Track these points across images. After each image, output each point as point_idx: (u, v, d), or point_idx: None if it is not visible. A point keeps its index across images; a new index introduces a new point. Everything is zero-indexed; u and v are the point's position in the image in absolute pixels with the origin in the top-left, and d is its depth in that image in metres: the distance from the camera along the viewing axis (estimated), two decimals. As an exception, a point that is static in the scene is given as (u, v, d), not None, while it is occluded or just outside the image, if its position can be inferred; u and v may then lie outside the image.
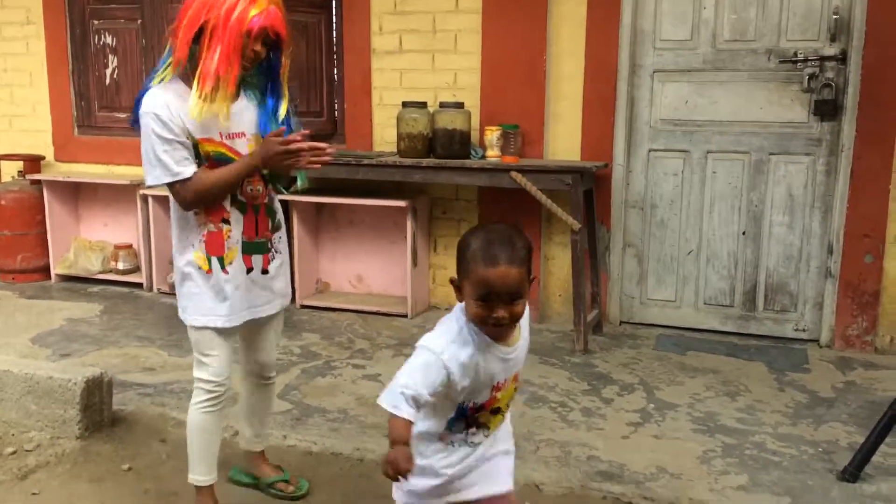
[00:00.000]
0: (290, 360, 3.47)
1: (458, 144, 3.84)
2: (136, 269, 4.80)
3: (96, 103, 4.98)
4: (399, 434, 1.49)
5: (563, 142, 3.97)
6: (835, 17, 3.55)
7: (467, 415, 1.61)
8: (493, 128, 3.82)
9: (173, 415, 2.86)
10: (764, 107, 3.72)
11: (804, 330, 3.78)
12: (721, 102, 3.79)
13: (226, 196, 2.04)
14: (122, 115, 4.81)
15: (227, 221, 2.07)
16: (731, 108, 3.77)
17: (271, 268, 2.17)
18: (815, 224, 3.72)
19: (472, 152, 3.89)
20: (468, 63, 4.08)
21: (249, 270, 2.12)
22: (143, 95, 1.99)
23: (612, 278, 4.01)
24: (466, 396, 1.58)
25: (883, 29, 3.44)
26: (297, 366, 3.42)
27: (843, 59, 3.56)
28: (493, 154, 3.82)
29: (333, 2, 4.38)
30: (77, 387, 2.68)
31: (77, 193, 5.02)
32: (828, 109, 3.59)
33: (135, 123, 2.01)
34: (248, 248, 2.11)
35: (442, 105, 3.92)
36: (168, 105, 1.95)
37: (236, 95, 2.05)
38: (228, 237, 2.07)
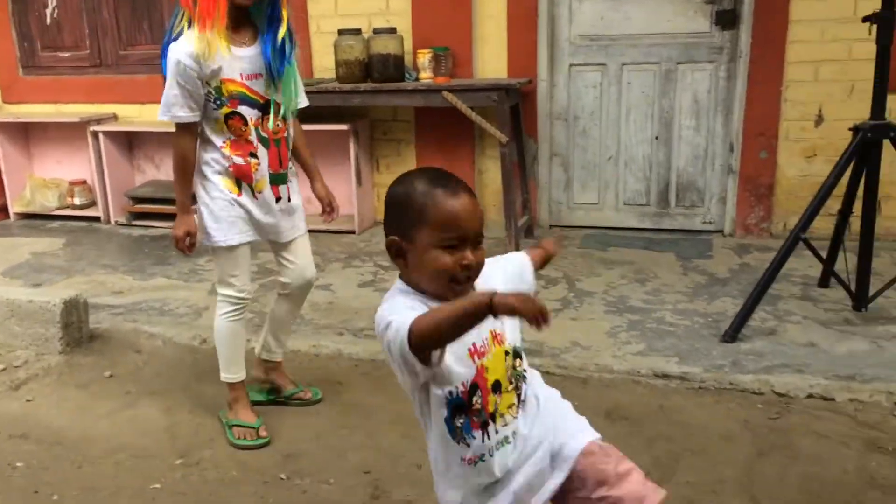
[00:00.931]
0: (248, 277, 3.79)
1: (392, 68, 4.10)
2: (93, 204, 5.02)
3: (39, 43, 5.08)
4: (478, 297, 1.17)
5: (491, 61, 4.25)
6: (731, -69, 3.85)
7: (464, 406, 1.32)
8: (425, 51, 4.09)
9: (145, 328, 3.19)
10: (671, 19, 4.04)
11: (711, 222, 4.22)
12: (633, 17, 4.09)
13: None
14: (66, 55, 4.94)
15: (254, 156, 2.24)
16: (642, 22, 4.09)
17: (293, 195, 2.38)
18: (718, 126, 4.10)
19: (407, 75, 4.16)
20: (399, -11, 4.30)
21: (279, 199, 2.32)
22: (166, 49, 2.16)
23: (541, 186, 4.38)
24: (447, 378, 1.30)
25: (773, -58, 3.76)
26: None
27: (739, -29, 3.88)
28: (426, 76, 4.10)
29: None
30: (56, 307, 2.98)
31: (28, 133, 5.17)
32: (728, 19, 3.93)
33: (164, 69, 2.17)
34: (274, 179, 2.30)
35: (376, 31, 4.16)
36: (189, 54, 2.10)
37: (254, 38, 2.20)
38: (256, 170, 2.25)
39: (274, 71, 2.21)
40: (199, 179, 2.28)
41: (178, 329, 3.18)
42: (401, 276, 1.36)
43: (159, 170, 4.98)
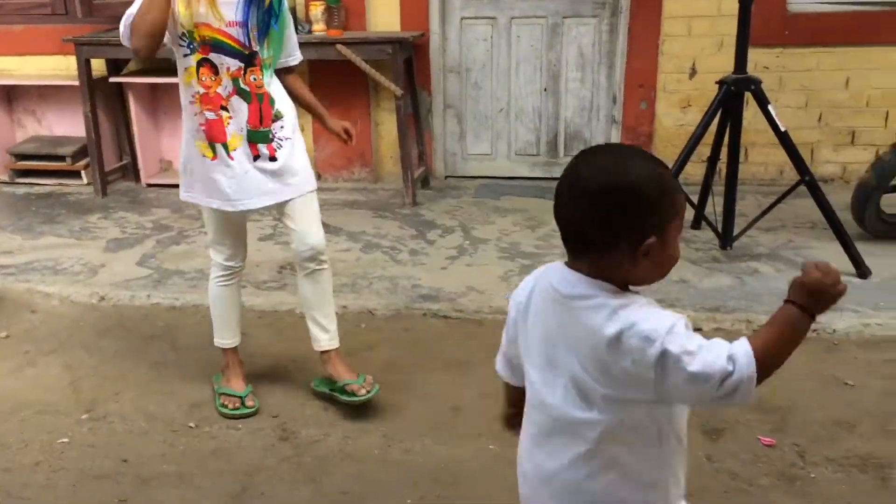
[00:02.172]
0: (143, 234, 3.77)
1: (283, 20, 4.07)
2: (-29, 162, 4.78)
3: None
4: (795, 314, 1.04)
5: (384, 14, 4.29)
6: None
7: None
8: (317, 3, 4.08)
9: (39, 288, 3.14)
10: (554, -26, 4.19)
11: (597, 170, 4.45)
12: (521, -29, 4.21)
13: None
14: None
15: (225, 108, 2.11)
16: (529, -24, 4.22)
17: (280, 155, 2.19)
18: (602, 78, 4.31)
19: (299, 27, 4.14)
20: (287, -61, 4.23)
21: (256, 158, 2.17)
22: None
23: (436, 138, 4.49)
24: None
25: None
26: (151, 238, 3.72)
27: (619, -72, 4.04)
28: (318, 28, 4.10)
29: None
30: (-58, 270, 2.90)
31: None
32: (609, -25, 4.11)
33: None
34: (253, 137, 2.15)
35: (265, -18, 4.10)
36: None
37: None
38: (229, 123, 2.12)
39: (252, 22, 2.07)
40: (183, 138, 2.22)
41: (74, 287, 3.15)
42: (602, 274, 1.09)
43: (41, 124, 4.78)
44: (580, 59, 4.30)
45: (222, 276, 2.34)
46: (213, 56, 2.07)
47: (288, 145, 2.22)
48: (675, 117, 4.24)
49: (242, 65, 2.09)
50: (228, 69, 2.09)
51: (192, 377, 2.54)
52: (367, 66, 3.93)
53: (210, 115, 2.12)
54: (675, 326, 1.02)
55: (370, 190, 4.38)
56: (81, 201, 4.30)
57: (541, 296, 1.16)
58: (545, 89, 4.38)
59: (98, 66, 4.42)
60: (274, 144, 2.19)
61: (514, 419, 1.31)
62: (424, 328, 2.82)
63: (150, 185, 4.53)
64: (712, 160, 3.32)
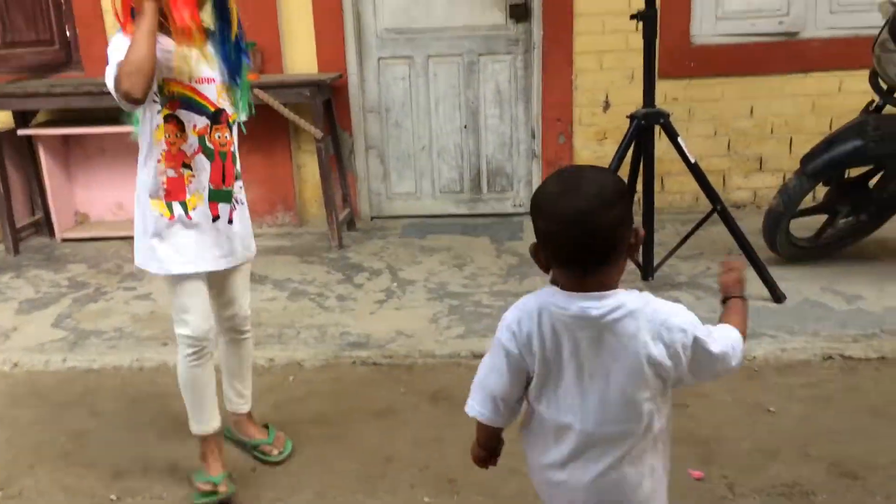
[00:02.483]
0: (59, 292, 3.62)
1: (197, 67, 4.02)
2: None
3: None
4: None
5: (300, 56, 4.27)
6: (519, -69, 4.10)
7: None
8: (231, 48, 4.03)
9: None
10: (470, 12, 4.25)
11: (520, 205, 4.51)
12: (435, 11, 4.26)
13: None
14: None
15: (187, 167, 1.99)
16: (444, 16, 4.27)
17: (235, 217, 2.10)
18: (520, 113, 4.39)
19: (214, 73, 4.09)
20: (198, -15, 4.19)
21: (216, 219, 2.06)
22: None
23: (360, 178, 4.48)
24: None
25: (556, -58, 4.05)
26: (67, 296, 3.58)
27: (528, -31, 4.15)
28: (233, 74, 4.05)
29: (45, -75, 4.25)
30: None
31: None
32: (520, 13, 4.19)
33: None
34: (215, 196, 2.04)
35: (177, 29, 4.04)
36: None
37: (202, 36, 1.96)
38: (190, 182, 2.00)
39: (232, 76, 2.01)
40: (137, 203, 2.05)
41: (-17, 355, 3.00)
42: (608, 283, 1.23)
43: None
44: (498, 95, 4.37)
45: (192, 354, 2.10)
46: (180, 112, 1.96)
47: (241, 209, 2.14)
48: (593, 149, 4.34)
49: (209, 122, 2.00)
50: (195, 126, 1.98)
51: (112, 445, 2.44)
52: (286, 110, 3.90)
53: (171, 174, 1.99)
54: (694, 318, 1.26)
55: (295, 235, 4.33)
56: (-9, 260, 4.12)
57: (559, 328, 1.25)
58: (465, 126, 4.42)
59: (4, 118, 4.26)
60: (232, 206, 2.09)
61: (488, 461, 1.45)
62: (354, 377, 2.78)
63: (65, 240, 4.37)
64: (629, 192, 3.40)
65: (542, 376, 1.29)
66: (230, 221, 2.09)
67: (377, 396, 2.65)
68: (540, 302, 1.27)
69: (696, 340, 1.23)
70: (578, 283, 1.22)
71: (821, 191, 3.53)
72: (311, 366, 2.85)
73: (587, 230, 1.18)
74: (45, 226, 4.50)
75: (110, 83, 1.86)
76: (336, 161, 4.28)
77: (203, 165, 2.01)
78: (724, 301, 1.44)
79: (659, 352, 1.22)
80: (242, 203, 2.14)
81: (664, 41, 4.12)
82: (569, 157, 4.34)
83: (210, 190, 2.04)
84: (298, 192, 4.45)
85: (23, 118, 4.29)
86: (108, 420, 2.60)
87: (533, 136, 4.38)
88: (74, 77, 4.37)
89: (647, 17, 3.05)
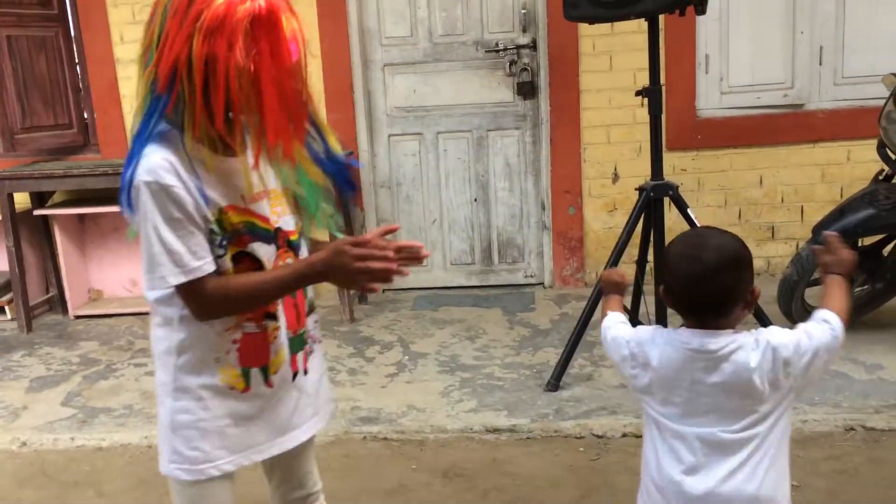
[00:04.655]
0: (70, 370, 3.61)
1: (212, 146, 4.10)
2: None
3: None
4: None
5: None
6: (523, 11, 4.22)
7: None
8: (244, 127, 4.13)
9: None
10: (478, 91, 4.34)
11: (532, 276, 4.51)
12: (443, 89, 4.36)
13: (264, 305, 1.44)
14: None
15: (273, 317, 1.46)
16: (452, 94, 4.36)
17: (311, 365, 1.56)
18: (529, 186, 4.43)
19: (228, 152, 4.17)
20: (213, 67, 4.31)
21: (295, 375, 1.53)
22: (135, 158, 1.34)
23: (371, 252, 4.49)
24: None
25: (560, 20, 4.14)
26: (78, 374, 3.57)
27: (534, 46, 4.25)
28: (247, 152, 4.13)
29: (70, 14, 4.42)
30: None
31: None
32: (527, 90, 4.28)
33: (128, 205, 1.38)
34: (294, 345, 1.51)
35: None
36: (175, 168, 1.32)
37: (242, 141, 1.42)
38: (275, 339, 1.47)
39: (277, 185, 1.49)
40: (172, 379, 1.45)
41: (-9, 434, 2.97)
42: (724, 325, 1.43)
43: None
44: (507, 169, 4.42)
45: None
46: (254, 247, 1.42)
47: (318, 349, 1.59)
48: (603, 220, 4.36)
49: (275, 248, 1.47)
50: (269, 259, 1.45)
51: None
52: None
53: (251, 329, 1.44)
54: (791, 339, 1.41)
55: (306, 308, 4.32)
56: (5, 338, 4.12)
57: (678, 359, 1.45)
58: (475, 200, 4.46)
59: (22, 199, 4.34)
60: (309, 348, 1.56)
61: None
62: (365, 453, 2.73)
63: (78, 317, 4.39)
64: (640, 263, 3.39)
65: (662, 401, 1.48)
66: (305, 372, 1.55)
67: (388, 473, 2.59)
68: (666, 337, 1.49)
69: (798, 350, 1.40)
70: (698, 325, 1.45)
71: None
72: (320, 442, 2.79)
73: (701, 291, 1.41)
74: (58, 303, 4.52)
75: (175, 279, 1.34)
76: (348, 236, 4.30)
77: (280, 310, 1.48)
78: (825, 280, 1.55)
79: (765, 374, 1.40)
80: (319, 342, 1.60)
81: (670, 115, 4.19)
82: (579, 228, 4.36)
83: (289, 339, 1.50)
84: (310, 266, 4.47)
85: (39, 198, 4.36)
86: (114, 499, 2.55)
87: (543, 208, 4.41)
88: (91, 159, 4.47)
89: (651, 93, 3.10)
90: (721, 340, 1.41)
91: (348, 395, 3.15)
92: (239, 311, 1.42)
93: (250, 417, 1.47)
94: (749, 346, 1.41)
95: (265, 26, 1.30)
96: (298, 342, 1.52)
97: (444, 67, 4.34)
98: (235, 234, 1.40)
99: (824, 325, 1.44)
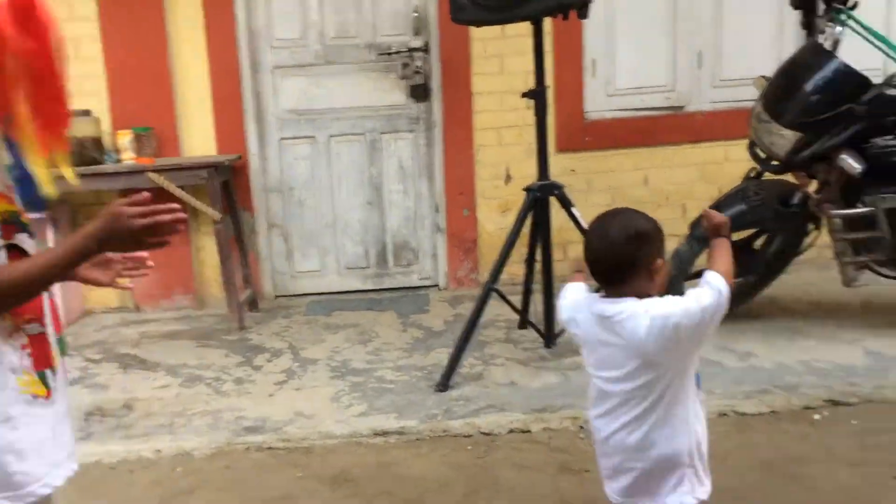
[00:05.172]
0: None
1: (89, 151, 3.92)
2: None
3: None
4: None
5: (199, 139, 4.23)
6: (415, 14, 4.23)
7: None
8: (125, 131, 3.98)
9: None
10: (371, 93, 4.32)
11: (427, 278, 4.51)
12: (336, 92, 4.31)
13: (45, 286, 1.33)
14: None
15: (44, 315, 1.36)
16: (344, 97, 4.32)
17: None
18: (423, 188, 4.43)
19: (107, 156, 4.00)
20: (92, 69, 4.13)
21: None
22: None
23: (262, 258, 4.40)
24: None
25: (451, 23, 4.15)
26: None
27: (426, 49, 4.26)
28: (128, 157, 3.97)
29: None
30: None
31: None
32: (420, 93, 4.28)
33: None
34: (61, 348, 1.42)
35: (69, 112, 3.95)
36: None
37: None
38: (49, 338, 1.37)
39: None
40: None
41: None
42: (629, 294, 1.59)
43: None
44: (401, 171, 4.41)
45: None
46: (20, 238, 1.32)
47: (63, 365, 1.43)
48: (497, 222, 4.40)
49: (36, 243, 1.38)
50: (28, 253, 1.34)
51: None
52: (181, 192, 3.82)
53: (34, 330, 1.33)
54: (676, 308, 1.54)
55: (194, 318, 4.19)
56: None
57: (589, 319, 1.66)
58: (369, 203, 4.43)
59: None
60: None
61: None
62: (248, 464, 2.65)
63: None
64: (529, 262, 3.44)
65: (587, 351, 1.70)
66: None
67: (272, 483, 2.52)
68: (585, 300, 1.71)
69: (686, 313, 1.54)
70: (607, 290, 1.65)
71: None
72: (201, 455, 2.70)
73: (602, 259, 1.63)
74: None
75: None
76: (237, 241, 4.20)
77: (48, 307, 1.37)
78: (708, 242, 1.72)
79: (654, 340, 1.54)
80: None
81: (560, 117, 4.30)
82: (473, 229, 4.39)
83: (56, 340, 1.39)
84: (197, 274, 4.34)
85: None
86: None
87: (437, 211, 4.42)
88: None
89: (537, 95, 3.15)
90: (617, 307, 1.59)
91: (233, 405, 3.05)
92: (17, 300, 1.27)
93: (59, 423, 1.38)
94: (640, 315, 1.56)
95: None
96: (62, 344, 1.42)
97: (337, 70, 4.29)
98: (3, 223, 1.29)
99: (709, 288, 1.56)
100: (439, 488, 2.44)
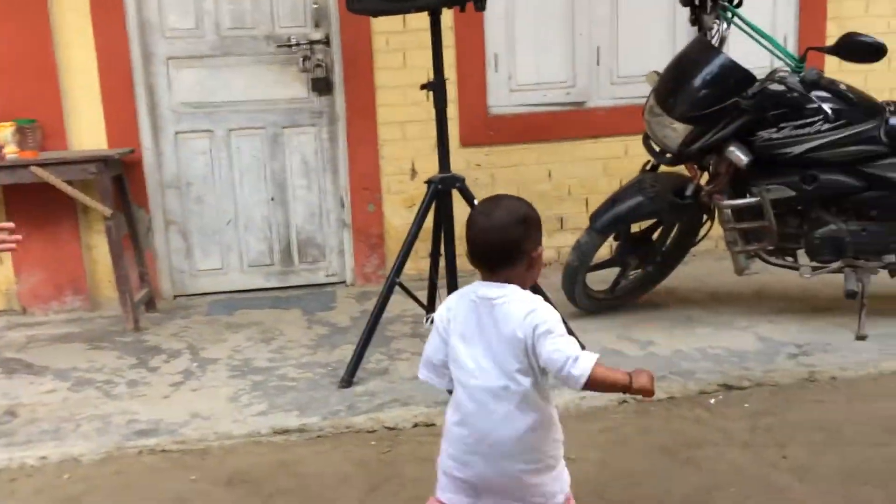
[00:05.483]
0: None
1: (-33, 144, 3.68)
2: None
3: None
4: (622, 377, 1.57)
5: (88, 132, 4.03)
6: (315, 6, 4.15)
7: None
8: (6, 124, 3.74)
9: None
10: (271, 86, 4.21)
11: (333, 275, 4.44)
12: (234, 84, 4.19)
13: None
14: None
15: None
16: (243, 89, 4.19)
17: None
18: (328, 183, 4.35)
19: (-13, 150, 3.76)
20: (-32, 57, 3.88)
21: None
22: None
23: (160, 256, 4.23)
24: None
25: (351, 15, 4.10)
26: None
27: (327, 42, 4.18)
28: (11, 151, 3.74)
29: None
30: None
31: None
32: (322, 86, 4.21)
33: None
34: None
35: (-58, 104, 3.70)
36: None
37: None
38: None
39: None
40: None
41: None
42: (511, 281, 1.62)
43: None
44: (304, 166, 4.32)
45: None
46: None
47: None
48: (403, 217, 4.36)
49: None
50: None
51: None
52: (69, 188, 3.64)
53: None
54: (553, 321, 1.57)
55: (86, 320, 3.99)
56: None
57: (467, 305, 1.65)
58: (272, 198, 4.32)
59: None
60: None
61: None
62: (140, 468, 2.53)
63: None
64: (433, 256, 3.42)
65: (454, 343, 1.65)
66: None
67: (164, 487, 2.41)
68: (464, 289, 1.69)
69: (548, 331, 1.55)
70: (489, 277, 1.64)
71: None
72: (89, 461, 2.56)
73: (488, 241, 1.61)
74: None
75: None
76: (132, 239, 4.02)
77: None
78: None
79: (524, 334, 1.56)
80: None
81: (464, 112, 4.31)
82: (379, 224, 4.34)
83: None
84: (90, 274, 4.13)
85: None
86: None
87: (342, 206, 4.35)
88: None
89: (436, 87, 3.13)
90: (501, 291, 1.61)
91: (125, 408, 2.91)
92: None
93: None
94: (524, 302, 1.59)
95: None
96: None
97: (234, 62, 4.17)
98: None
99: (571, 353, 1.53)
100: (340, 484, 2.39)
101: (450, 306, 1.68)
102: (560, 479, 1.69)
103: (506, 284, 1.61)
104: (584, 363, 1.52)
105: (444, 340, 1.67)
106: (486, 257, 1.62)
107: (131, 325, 3.75)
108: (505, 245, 1.60)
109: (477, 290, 1.64)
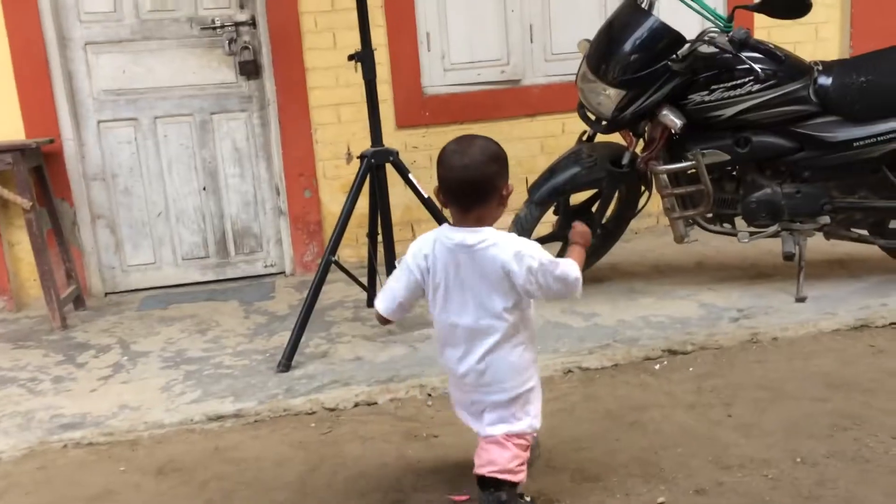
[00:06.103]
0: None
1: None
2: None
3: None
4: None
5: (2, 121, 3.83)
6: (239, -14, 4.03)
7: None
8: (-88, 115, 3.53)
9: None
10: (196, 71, 4.07)
11: (272, 265, 4.31)
12: (157, 70, 4.03)
13: None
14: None
15: None
16: (168, 75, 4.04)
17: None
18: (262, 171, 4.23)
19: None
20: None
21: None
22: None
23: (88, 252, 4.05)
24: None
25: (278, -5, 4.01)
26: None
27: (253, 23, 4.05)
28: (-82, 143, 3.53)
29: None
30: None
31: None
32: (251, 69, 4.08)
33: None
34: None
35: None
36: None
37: None
38: None
39: None
40: None
41: None
42: (483, 219, 1.73)
43: None
44: (236, 153, 4.19)
45: None
46: None
47: None
48: (340, 202, 4.14)
49: None
50: None
51: None
52: (-18, 180, 3.45)
53: None
54: (542, 251, 1.73)
55: (10, 320, 3.79)
56: None
57: (445, 252, 1.74)
58: (204, 188, 4.18)
59: None
60: None
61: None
62: (64, 462, 2.39)
63: None
64: (371, 236, 3.33)
65: (435, 289, 1.77)
66: None
67: (91, 480, 2.28)
68: (436, 234, 1.78)
69: (542, 264, 1.70)
70: (462, 218, 1.73)
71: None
72: (9, 457, 2.41)
73: (467, 178, 1.69)
74: None
75: None
76: (56, 234, 3.83)
77: None
78: (568, 247, 1.93)
79: (515, 269, 1.69)
80: None
81: (398, 93, 4.23)
82: (317, 211, 4.23)
83: None
84: (13, 272, 3.93)
85: None
86: None
87: (278, 193, 4.23)
88: None
89: (364, 58, 3.05)
90: (479, 236, 1.69)
91: (49, 403, 2.76)
92: None
93: None
94: (504, 244, 1.69)
95: None
96: None
97: (156, 46, 4.01)
98: None
99: (569, 267, 1.75)
100: (277, 467, 2.29)
101: (426, 252, 1.76)
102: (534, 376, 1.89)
103: (479, 228, 1.70)
104: (574, 272, 1.75)
105: (419, 283, 1.79)
106: (461, 194, 1.70)
107: (58, 323, 3.57)
108: (480, 182, 1.69)
109: (451, 236, 1.72)
